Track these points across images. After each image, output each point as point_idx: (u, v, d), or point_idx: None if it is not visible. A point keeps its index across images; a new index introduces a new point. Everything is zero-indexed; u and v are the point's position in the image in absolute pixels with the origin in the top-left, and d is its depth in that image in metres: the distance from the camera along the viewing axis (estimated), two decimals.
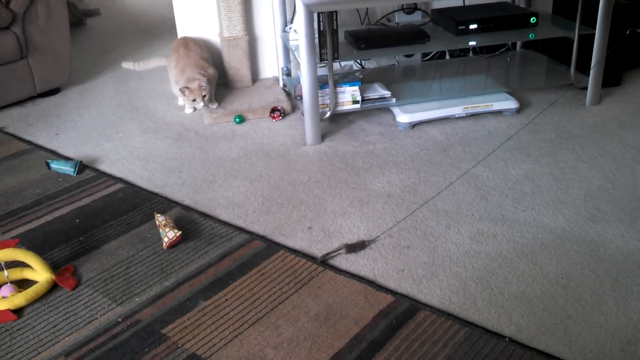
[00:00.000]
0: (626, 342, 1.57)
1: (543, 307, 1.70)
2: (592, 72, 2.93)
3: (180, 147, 2.77)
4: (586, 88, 2.98)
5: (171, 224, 2.07)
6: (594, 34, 2.86)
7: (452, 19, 2.96)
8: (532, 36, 3.00)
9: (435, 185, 2.34)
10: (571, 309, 1.69)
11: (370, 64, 3.45)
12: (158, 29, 4.73)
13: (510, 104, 2.93)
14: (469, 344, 1.59)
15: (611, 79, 3.14)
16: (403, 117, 2.86)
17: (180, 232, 2.04)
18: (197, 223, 2.17)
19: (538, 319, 1.67)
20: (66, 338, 1.67)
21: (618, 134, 2.69)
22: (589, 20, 2.87)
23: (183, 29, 3.29)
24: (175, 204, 2.31)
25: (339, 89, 2.85)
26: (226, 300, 1.79)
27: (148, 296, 1.81)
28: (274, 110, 3.02)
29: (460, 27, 2.93)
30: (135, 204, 2.31)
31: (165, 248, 2.02)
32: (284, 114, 3.04)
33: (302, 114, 2.75)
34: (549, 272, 1.84)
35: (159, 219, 2.09)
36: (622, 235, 1.99)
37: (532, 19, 2.98)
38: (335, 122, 2.94)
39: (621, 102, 3.01)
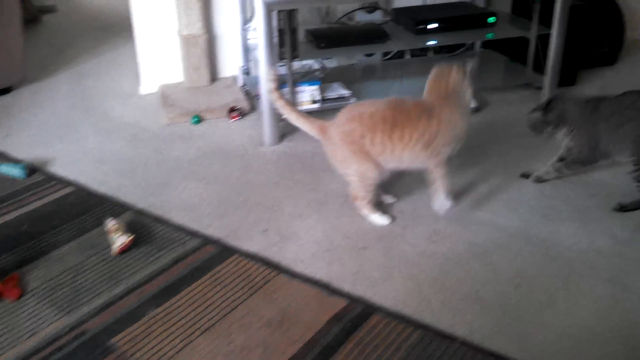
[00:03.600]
0: (576, 341, 1.58)
1: (496, 307, 1.71)
2: (548, 72, 2.95)
3: (136, 148, 2.71)
4: (542, 88, 3.00)
5: (123, 228, 2.02)
6: (550, 34, 2.88)
7: (412, 19, 2.95)
8: (490, 36, 3.01)
9: (392, 185, 2.33)
10: (523, 308, 1.70)
11: (330, 63, 3.43)
12: (116, 27, 4.64)
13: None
14: (422, 346, 1.58)
15: (567, 79, 3.17)
16: None
17: (132, 236, 1.99)
18: (150, 227, 2.13)
19: (491, 319, 1.67)
20: (8, 352, 1.61)
21: None
22: (546, 21, 2.89)
23: (140, 27, 3.23)
24: (128, 207, 2.26)
25: (299, 89, 2.83)
26: (178, 307, 1.75)
27: (96, 305, 1.76)
28: (232, 110, 2.98)
29: (419, 27, 2.93)
30: (86, 208, 2.25)
31: (116, 254, 1.97)
32: (242, 114, 3.00)
33: (261, 114, 2.72)
34: (503, 271, 1.85)
35: (110, 224, 2.04)
36: (574, 234, 2.01)
37: (490, 19, 2.99)
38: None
39: None
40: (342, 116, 2.08)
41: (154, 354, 1.59)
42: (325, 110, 2.92)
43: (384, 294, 1.78)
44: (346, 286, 1.81)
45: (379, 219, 2.11)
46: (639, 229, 2.02)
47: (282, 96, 2.14)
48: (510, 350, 1.56)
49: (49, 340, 1.64)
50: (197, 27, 3.17)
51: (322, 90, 2.88)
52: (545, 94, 2.99)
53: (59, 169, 2.56)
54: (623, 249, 1.93)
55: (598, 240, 1.98)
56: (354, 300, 1.75)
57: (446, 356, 1.55)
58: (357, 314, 1.70)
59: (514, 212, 2.15)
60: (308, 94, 2.85)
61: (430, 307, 1.72)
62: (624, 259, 1.88)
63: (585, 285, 1.78)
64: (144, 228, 2.12)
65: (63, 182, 2.44)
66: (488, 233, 2.04)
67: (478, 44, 3.56)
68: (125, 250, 1.98)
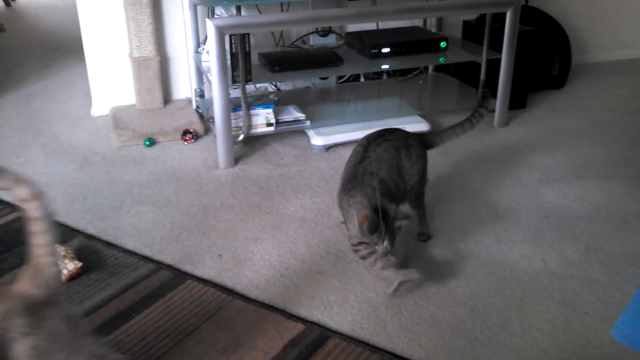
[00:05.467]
0: None
1: (451, 330, 1.71)
2: (498, 95, 3.02)
3: (86, 172, 2.65)
4: (494, 110, 3.06)
5: (71, 254, 1.96)
6: (500, 59, 2.95)
7: (366, 43, 2.99)
8: (442, 60, 3.06)
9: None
10: (478, 330, 1.70)
11: (285, 86, 3.44)
12: (67, 47, 4.56)
13: (422, 126, 2.97)
14: None
15: (517, 102, 3.25)
16: (317, 139, 2.84)
17: (82, 263, 1.93)
18: (101, 253, 2.07)
19: (447, 342, 1.67)
20: None
21: (524, 155, 2.78)
22: (496, 45, 2.96)
23: (91, 49, 3.17)
24: (78, 232, 2.19)
25: (253, 112, 2.82)
26: (128, 335, 1.70)
27: None
28: (185, 132, 2.94)
29: (373, 51, 2.96)
30: None
31: (64, 281, 1.91)
32: (196, 137, 2.97)
33: (215, 137, 2.69)
34: (458, 294, 1.85)
35: (58, 250, 1.97)
36: (527, 255, 2.04)
37: (442, 44, 3.04)
38: (249, 145, 2.90)
39: (526, 124, 3.12)
40: None
41: None
42: (280, 133, 2.92)
43: (340, 318, 1.76)
44: (302, 311, 1.79)
45: None
46: (589, 250, 2.07)
47: None
48: None
49: None
50: (148, 50, 3.13)
51: (277, 113, 2.88)
52: (497, 117, 3.06)
53: (3, 194, 2.47)
54: (575, 270, 1.96)
55: (550, 262, 2.01)
56: (310, 325, 1.73)
57: None
58: (313, 339, 1.67)
59: (468, 234, 2.16)
60: (262, 117, 2.84)
61: (386, 331, 1.71)
62: (575, 280, 1.92)
63: (539, 307, 1.80)
64: (94, 254, 2.06)
65: (9, 207, 2.36)
66: (443, 256, 2.05)
67: (430, 67, 3.62)
68: (73, 278, 1.92)
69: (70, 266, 1.91)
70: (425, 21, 3.47)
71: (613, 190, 2.45)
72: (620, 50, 4.22)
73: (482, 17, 3.32)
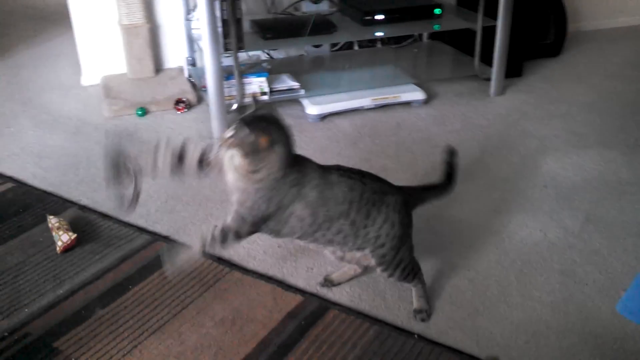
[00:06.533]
0: (531, 335, 1.59)
1: (450, 301, 1.70)
2: (494, 63, 2.98)
3: (78, 142, 2.60)
4: (490, 79, 3.03)
5: (65, 226, 1.93)
6: (496, 26, 2.91)
7: (359, 9, 2.93)
8: (436, 27, 3.02)
9: None
10: (478, 301, 1.70)
11: (278, 54, 3.38)
12: (55, 15, 4.45)
13: (418, 95, 2.94)
14: (379, 342, 1.56)
15: (513, 70, 3.21)
16: (312, 108, 2.81)
17: (76, 234, 1.91)
18: (95, 224, 2.04)
19: (446, 313, 1.66)
20: None
21: (521, 124, 2.75)
22: (492, 12, 2.91)
23: (79, 16, 3.10)
24: (72, 203, 2.16)
25: (246, 80, 2.77)
26: (125, 307, 1.68)
27: (39, 306, 1.68)
28: (178, 102, 2.89)
29: (366, 18, 2.91)
30: (26, 205, 2.14)
31: (59, 252, 1.88)
32: (189, 106, 2.92)
33: (208, 106, 2.65)
34: (456, 265, 1.85)
35: (52, 221, 1.95)
36: (526, 225, 2.03)
37: (436, 10, 2.99)
38: (242, 114, 2.84)
39: (523, 93, 3.09)
40: None
41: (100, 357, 1.52)
42: (274, 103, 2.87)
43: (339, 289, 1.75)
44: (300, 282, 1.78)
45: None
46: (589, 220, 2.06)
47: None
48: (467, 345, 1.56)
49: None
50: (138, 17, 3.06)
51: (270, 82, 2.83)
52: (493, 86, 3.03)
53: None
54: (574, 240, 1.96)
55: (549, 232, 2.00)
56: (309, 297, 1.72)
57: (403, 352, 1.54)
58: (312, 311, 1.66)
59: (465, 204, 2.15)
60: (256, 85, 2.80)
61: (385, 303, 1.70)
62: (575, 250, 1.91)
63: (539, 278, 1.79)
64: (89, 225, 2.03)
65: (1, 179, 2.32)
66: (440, 226, 2.04)
67: (425, 35, 3.57)
68: (68, 249, 1.89)
69: (64, 237, 1.88)
70: None
71: (611, 159, 2.44)
72: (616, 18, 4.17)
73: None
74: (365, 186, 1.51)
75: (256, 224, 1.47)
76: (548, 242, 1.95)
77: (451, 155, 1.71)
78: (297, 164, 1.46)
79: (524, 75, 3.30)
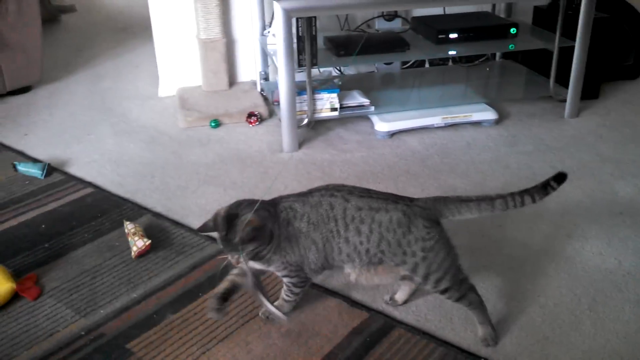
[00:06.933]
0: None
1: (520, 327, 1.67)
2: (570, 84, 2.92)
3: (153, 151, 2.70)
4: (565, 100, 2.97)
5: (140, 232, 2.00)
6: (573, 47, 2.85)
7: (433, 28, 2.93)
8: (512, 47, 2.98)
9: (412, 195, 2.30)
10: (548, 329, 1.66)
11: (349, 71, 3.41)
12: (135, 28, 4.64)
13: (489, 115, 2.90)
14: None
15: (589, 92, 3.13)
16: (382, 125, 2.82)
17: (150, 241, 1.97)
18: (168, 231, 2.11)
19: (515, 338, 1.63)
20: (25, 352, 1.60)
21: (596, 147, 2.68)
22: (569, 33, 2.86)
23: (159, 30, 3.22)
24: (146, 210, 2.24)
25: (317, 96, 2.81)
26: (195, 314, 1.73)
27: (114, 308, 1.74)
28: (250, 115, 2.96)
29: (440, 36, 2.90)
30: (104, 210, 2.23)
31: (133, 257, 1.96)
32: (261, 119, 2.98)
33: (280, 120, 2.70)
34: (527, 290, 1.81)
35: (128, 226, 2.02)
36: (600, 253, 1.97)
37: (512, 30, 2.96)
38: (312, 129, 2.89)
39: (599, 115, 3.01)
40: None
41: None
42: (344, 118, 2.90)
43: (405, 308, 1.74)
44: (366, 299, 1.78)
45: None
46: None
47: None
48: None
49: (65, 342, 1.62)
50: (215, 31, 3.16)
51: (341, 98, 2.86)
52: (568, 107, 2.96)
53: (76, 169, 2.55)
54: None
55: (625, 260, 1.93)
56: (374, 314, 1.72)
57: None
58: (377, 328, 1.66)
59: (535, 227, 2.11)
60: (327, 101, 2.83)
61: (452, 324, 1.68)
62: None
63: (613, 307, 1.74)
64: (162, 232, 2.10)
65: (81, 183, 2.43)
66: (509, 248, 2.00)
67: (498, 54, 3.53)
68: (142, 254, 1.96)
69: (139, 243, 1.95)
70: (494, 6, 3.37)
71: None
72: None
73: (554, 3, 3.21)
74: (348, 203, 1.51)
75: (300, 272, 1.60)
76: (623, 270, 1.89)
77: (559, 179, 1.52)
78: (274, 208, 1.55)
79: (601, 97, 3.21)
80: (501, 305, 1.75)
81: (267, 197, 1.60)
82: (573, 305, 1.74)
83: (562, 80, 2.98)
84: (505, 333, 1.65)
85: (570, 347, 1.60)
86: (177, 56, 3.27)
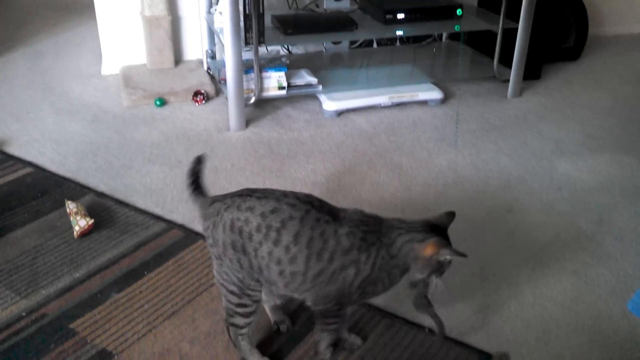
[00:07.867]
0: (542, 332, 1.60)
1: (462, 298, 1.71)
2: (513, 65, 2.98)
3: (96, 130, 2.64)
4: (508, 81, 3.03)
5: (83, 211, 1.96)
6: (517, 28, 2.90)
7: (380, 8, 2.94)
8: (457, 28, 3.02)
9: (359, 174, 2.32)
10: (489, 299, 1.71)
11: (297, 50, 3.40)
12: (77, 4, 4.50)
13: (435, 94, 2.94)
14: (390, 335, 1.58)
15: (532, 73, 3.21)
16: (329, 104, 2.82)
17: (93, 220, 1.94)
18: (112, 211, 2.07)
19: (457, 310, 1.67)
20: None
21: (537, 126, 2.75)
22: (513, 15, 2.91)
23: (102, 6, 3.13)
24: (89, 190, 2.19)
25: (265, 74, 2.79)
26: (140, 292, 1.71)
27: (56, 288, 1.71)
28: (197, 93, 2.92)
29: (388, 16, 2.92)
30: (45, 190, 2.18)
31: (76, 237, 1.91)
32: (207, 98, 2.95)
33: (227, 99, 2.67)
34: (468, 262, 1.85)
35: (70, 206, 1.98)
36: (539, 226, 2.03)
37: (458, 11, 2.99)
38: (260, 107, 2.88)
39: (541, 95, 3.08)
40: None
41: (115, 339, 1.55)
42: (292, 97, 2.90)
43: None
44: None
45: None
46: (602, 223, 2.06)
47: None
48: (477, 340, 1.57)
49: (6, 324, 1.58)
50: (160, 8, 3.09)
51: (289, 77, 2.85)
52: (511, 88, 3.02)
53: (15, 149, 2.47)
54: (587, 242, 1.96)
55: (563, 233, 2.00)
56: None
57: (414, 345, 1.55)
58: None
59: (480, 203, 2.16)
60: (274, 80, 2.81)
61: (397, 298, 1.71)
62: (587, 252, 1.91)
63: (551, 277, 1.80)
64: (106, 211, 2.06)
65: (20, 163, 2.35)
66: (454, 224, 2.04)
67: (444, 35, 3.57)
68: (85, 234, 1.92)
69: (81, 222, 1.91)
70: None
71: (626, 164, 2.43)
72: (638, 24, 4.15)
73: None
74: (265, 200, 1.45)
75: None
76: (561, 243, 1.95)
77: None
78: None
79: (543, 78, 3.29)
80: (445, 277, 1.78)
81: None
82: (513, 276, 1.80)
83: (506, 61, 3.04)
84: (447, 305, 1.68)
85: (510, 315, 1.65)
86: (120, 33, 3.19)
